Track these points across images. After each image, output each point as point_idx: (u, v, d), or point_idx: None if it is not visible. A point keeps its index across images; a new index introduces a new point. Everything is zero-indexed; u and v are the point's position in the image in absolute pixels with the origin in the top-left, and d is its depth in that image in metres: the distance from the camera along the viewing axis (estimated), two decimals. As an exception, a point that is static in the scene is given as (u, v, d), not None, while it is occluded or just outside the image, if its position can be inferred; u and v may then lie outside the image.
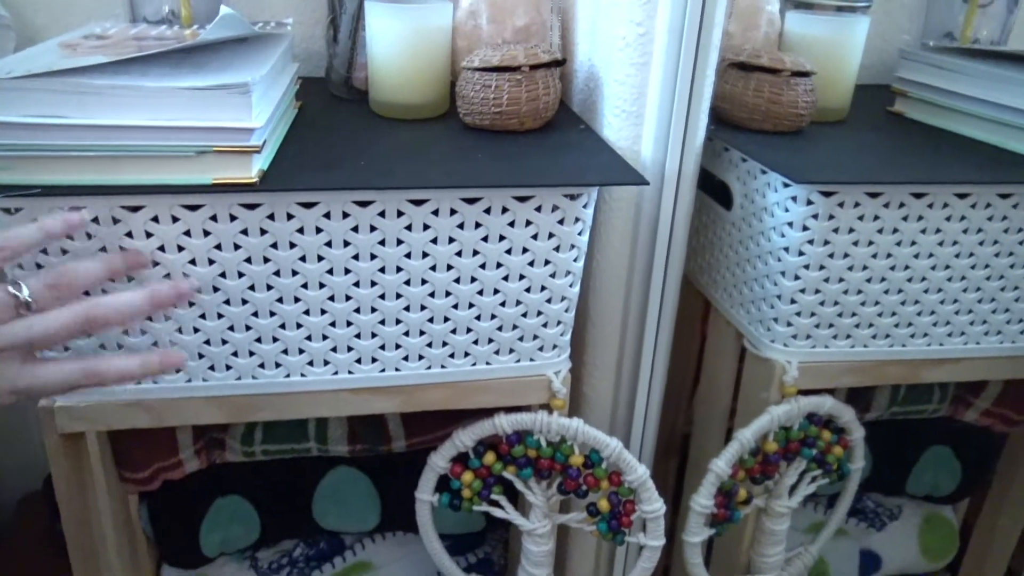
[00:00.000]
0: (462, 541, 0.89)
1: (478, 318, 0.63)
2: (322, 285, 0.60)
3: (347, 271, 0.59)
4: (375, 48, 0.71)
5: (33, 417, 1.02)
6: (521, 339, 0.65)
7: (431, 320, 0.63)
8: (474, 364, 0.66)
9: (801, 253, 0.65)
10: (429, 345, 0.64)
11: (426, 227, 0.59)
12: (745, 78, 0.72)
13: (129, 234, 0.55)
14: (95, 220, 0.54)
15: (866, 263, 0.66)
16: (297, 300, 0.60)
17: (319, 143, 0.63)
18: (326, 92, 0.81)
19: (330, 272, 0.59)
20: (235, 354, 0.62)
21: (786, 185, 0.64)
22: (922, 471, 0.94)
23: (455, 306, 0.62)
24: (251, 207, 0.56)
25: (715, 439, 0.83)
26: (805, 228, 0.64)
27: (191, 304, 0.58)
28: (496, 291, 0.62)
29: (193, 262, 0.57)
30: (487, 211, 0.59)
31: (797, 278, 0.66)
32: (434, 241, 0.59)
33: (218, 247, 0.57)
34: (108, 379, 0.52)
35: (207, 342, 0.61)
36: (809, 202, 0.63)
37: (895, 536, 0.98)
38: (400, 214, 0.58)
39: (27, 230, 0.50)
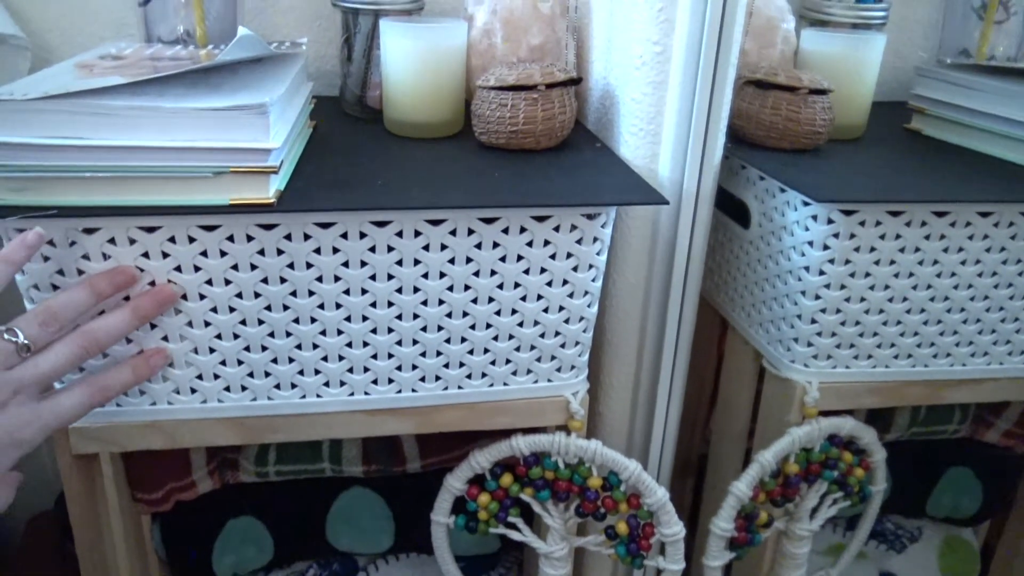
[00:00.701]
0: (476, 563, 0.88)
1: (495, 338, 0.63)
2: (338, 305, 0.59)
3: (364, 291, 0.59)
4: (390, 67, 0.71)
5: (44, 436, 1.02)
6: (539, 360, 0.65)
7: (448, 341, 0.62)
8: (491, 385, 0.65)
9: (821, 272, 0.64)
10: (446, 366, 0.63)
11: (443, 247, 0.58)
12: (762, 96, 0.72)
13: (145, 254, 0.55)
14: (111, 241, 0.54)
15: (888, 282, 0.65)
16: (313, 320, 0.59)
17: (335, 162, 0.63)
18: (340, 111, 0.81)
19: (347, 292, 0.59)
20: (251, 375, 0.61)
21: (806, 204, 0.64)
22: (942, 492, 0.93)
23: (472, 326, 0.62)
24: (268, 227, 0.55)
25: (733, 460, 0.82)
26: (825, 247, 0.63)
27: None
28: (514, 311, 0.62)
29: (210, 282, 0.57)
30: (505, 231, 0.58)
31: (817, 298, 0.65)
32: (451, 261, 0.59)
33: (235, 267, 0.56)
34: (113, 392, 0.56)
35: (223, 362, 0.60)
36: (830, 221, 0.62)
37: (915, 559, 0.96)
38: (417, 234, 0.57)
39: None
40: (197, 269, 0.56)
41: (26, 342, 0.51)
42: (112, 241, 0.54)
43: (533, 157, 0.67)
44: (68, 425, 0.55)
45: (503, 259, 0.59)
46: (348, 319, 0.60)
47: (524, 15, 0.75)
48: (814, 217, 0.63)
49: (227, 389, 0.61)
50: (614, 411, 0.76)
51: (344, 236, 0.56)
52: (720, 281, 0.81)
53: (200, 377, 0.61)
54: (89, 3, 0.82)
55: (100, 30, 0.83)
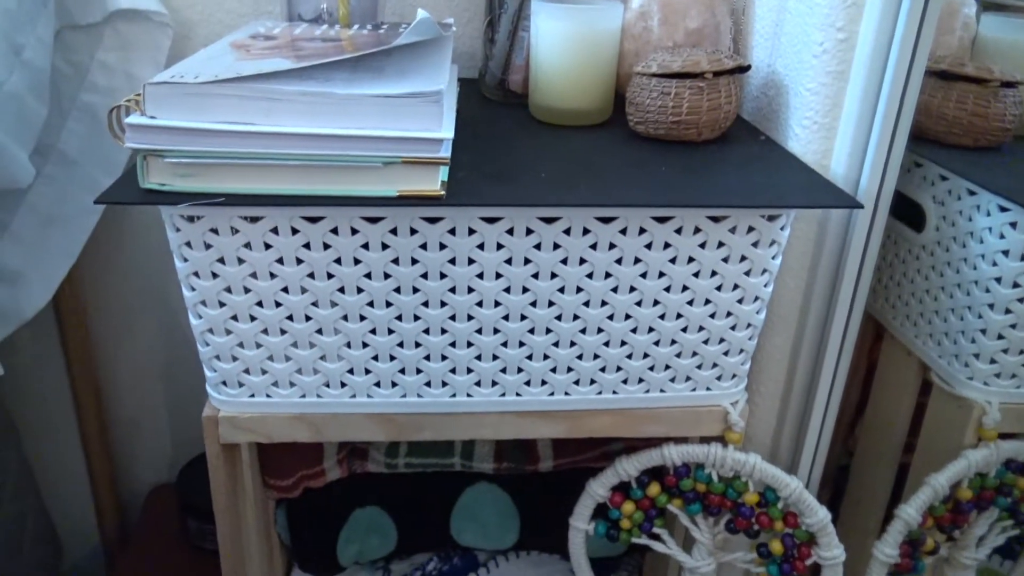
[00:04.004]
0: (598, 565, 0.85)
1: (656, 343, 0.59)
2: (497, 303, 0.56)
3: (525, 289, 0.56)
4: (540, 50, 0.68)
5: (163, 408, 1.03)
6: (699, 367, 0.61)
7: (607, 344, 0.59)
8: (647, 391, 0.62)
9: (1016, 285, 0.59)
10: (602, 369, 0.60)
11: (611, 246, 0.55)
12: (946, 88, 0.66)
13: (307, 245, 0.53)
14: (274, 230, 0.52)
15: (1090, 298, 0.59)
16: (470, 318, 0.57)
17: (488, 151, 0.60)
18: (477, 94, 0.78)
19: (507, 290, 0.56)
20: (402, 371, 0.59)
21: (1003, 209, 0.58)
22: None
23: (634, 330, 0.58)
24: (432, 220, 0.53)
25: (883, 476, 0.77)
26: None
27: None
28: (679, 315, 0.58)
29: (369, 276, 0.55)
30: (678, 231, 0.55)
31: (1008, 312, 0.60)
32: (618, 261, 0.55)
33: (395, 261, 0.54)
34: None
35: (375, 358, 0.58)
36: (1032, 229, 0.57)
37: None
38: (586, 232, 0.54)
39: None
40: (357, 262, 0.54)
41: None
42: (275, 231, 0.52)
43: (695, 149, 0.63)
44: None
45: (673, 260, 0.56)
46: (506, 318, 0.57)
47: (683, -3, 0.70)
48: (1012, 224, 0.58)
49: (377, 385, 0.60)
50: (761, 420, 0.71)
51: (510, 232, 0.53)
52: (878, 285, 0.75)
53: (351, 371, 0.59)
54: (229, -20, 0.81)
55: (239, 7, 0.82)
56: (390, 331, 0.57)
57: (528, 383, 0.60)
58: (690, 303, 0.58)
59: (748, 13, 0.73)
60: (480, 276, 0.55)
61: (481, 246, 0.54)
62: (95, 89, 0.79)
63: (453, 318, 0.57)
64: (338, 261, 0.54)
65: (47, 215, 0.79)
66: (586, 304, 0.57)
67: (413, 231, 0.53)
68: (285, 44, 0.62)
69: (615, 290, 0.56)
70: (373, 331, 0.57)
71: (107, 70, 0.79)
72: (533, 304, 0.57)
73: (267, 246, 0.53)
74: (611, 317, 0.58)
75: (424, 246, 0.54)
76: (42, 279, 0.80)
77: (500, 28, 0.75)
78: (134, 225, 0.93)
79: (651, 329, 0.59)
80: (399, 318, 0.57)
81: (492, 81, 0.77)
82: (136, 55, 0.79)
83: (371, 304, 0.56)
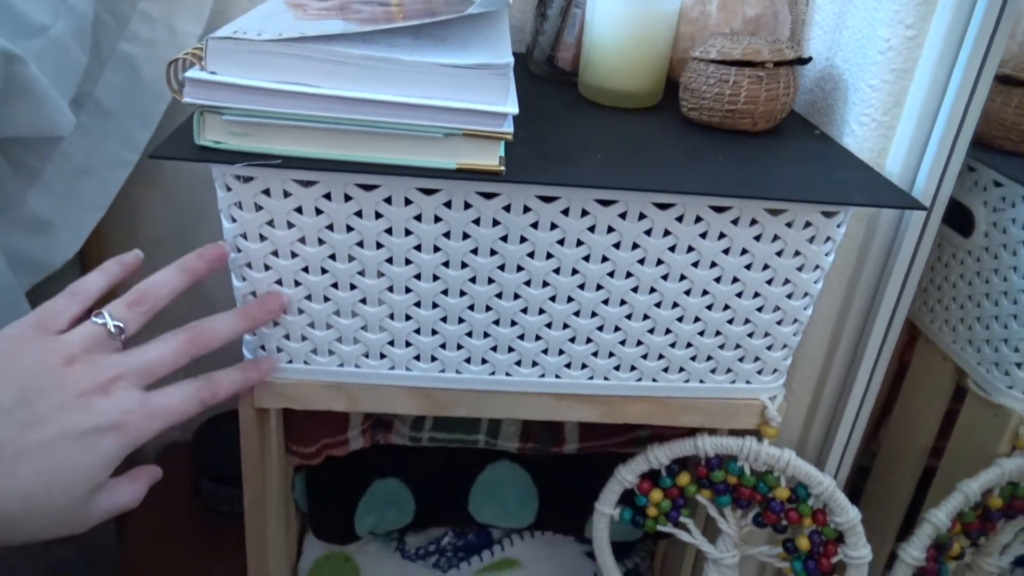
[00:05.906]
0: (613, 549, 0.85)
1: (701, 333, 0.59)
2: (545, 284, 0.56)
3: (574, 271, 0.55)
4: (595, 29, 0.67)
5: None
6: (741, 359, 0.61)
7: (651, 331, 0.58)
8: (687, 381, 0.61)
9: (1067, 297, 0.58)
10: (644, 356, 0.60)
11: (666, 233, 0.54)
12: (1006, 93, 0.65)
13: (359, 213, 0.52)
14: (327, 196, 0.52)
15: None
16: (517, 297, 0.56)
17: (539, 129, 0.59)
18: (523, 69, 0.77)
19: (556, 271, 0.55)
20: (443, 346, 0.58)
21: (1061, 220, 0.58)
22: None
23: (680, 319, 0.58)
24: (488, 196, 0.52)
25: (906, 479, 0.76)
26: (1078, 270, 0.57)
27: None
28: (726, 307, 0.58)
29: (419, 248, 0.54)
30: (734, 222, 0.54)
31: (1056, 323, 0.60)
32: (672, 249, 0.55)
33: (446, 235, 0.53)
34: (223, 393, 0.54)
35: (417, 331, 0.58)
36: (1089, 242, 0.56)
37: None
38: (642, 217, 0.53)
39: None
40: (408, 233, 0.53)
41: (118, 324, 0.48)
42: (328, 196, 0.52)
43: (749, 140, 0.62)
44: (175, 423, 0.50)
45: (726, 251, 0.55)
46: (553, 299, 0.56)
47: (743, -17, 0.69)
48: (1069, 236, 0.57)
49: (417, 358, 0.59)
50: (790, 417, 0.71)
51: (565, 212, 0.53)
52: (916, 287, 0.74)
53: (392, 343, 0.58)
54: (277, -64, 0.79)
55: (285, -35, 0.80)
56: (434, 305, 0.56)
57: (568, 366, 0.60)
58: (739, 295, 0.57)
59: (809, 4, 0.72)
60: (531, 255, 0.54)
61: (535, 224, 0.53)
62: (135, 40, 0.78)
63: (499, 296, 0.56)
64: (389, 231, 0.53)
65: (80, 165, 0.78)
66: (634, 290, 0.56)
67: (467, 205, 0.52)
68: (339, 6, 0.60)
69: (665, 277, 0.56)
70: (417, 304, 0.56)
71: (149, 21, 0.78)
72: (581, 287, 0.56)
73: (318, 211, 0.52)
74: (659, 304, 0.57)
75: (477, 221, 0.53)
76: (71, 229, 0.79)
77: (552, 4, 0.74)
78: (164, 178, 0.92)
79: (697, 319, 0.58)
80: (445, 292, 0.56)
81: (541, 57, 0.76)
82: (179, 7, 0.78)
83: (418, 277, 0.55)
